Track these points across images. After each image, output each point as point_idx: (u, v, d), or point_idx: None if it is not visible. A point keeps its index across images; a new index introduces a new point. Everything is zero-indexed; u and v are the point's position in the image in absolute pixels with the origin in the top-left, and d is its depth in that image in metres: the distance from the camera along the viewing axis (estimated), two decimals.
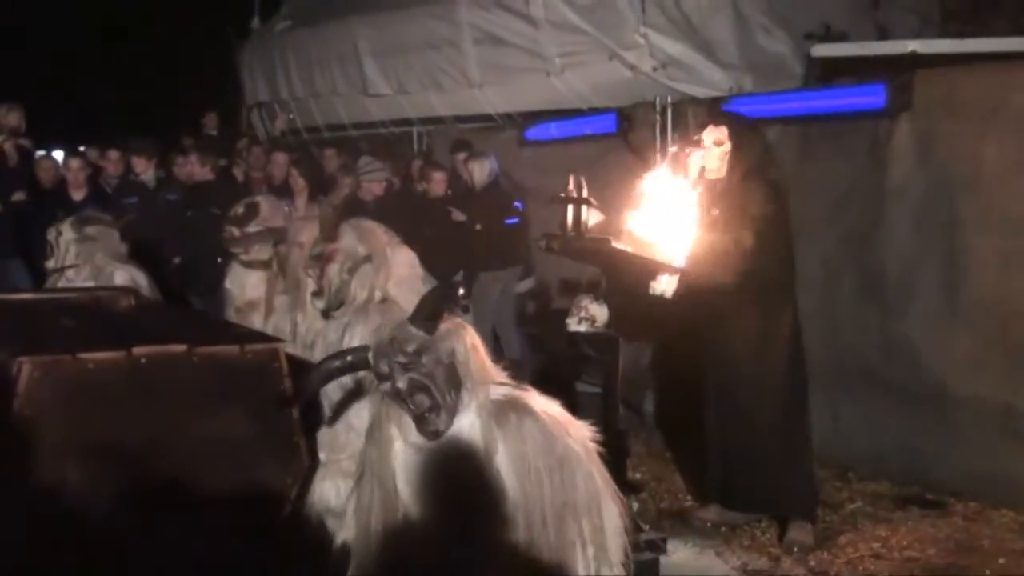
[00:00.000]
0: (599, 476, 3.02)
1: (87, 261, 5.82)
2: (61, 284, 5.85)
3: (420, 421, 2.81)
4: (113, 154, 8.72)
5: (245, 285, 5.85)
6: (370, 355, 2.89)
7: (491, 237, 7.91)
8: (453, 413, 2.84)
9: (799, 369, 5.03)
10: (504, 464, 2.85)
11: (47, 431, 3.23)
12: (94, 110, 15.78)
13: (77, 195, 8.17)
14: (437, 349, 2.85)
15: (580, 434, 3.02)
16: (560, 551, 2.87)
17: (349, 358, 3.01)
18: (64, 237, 5.89)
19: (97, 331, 3.93)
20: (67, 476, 3.23)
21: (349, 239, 4.60)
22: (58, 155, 9.28)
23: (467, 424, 2.88)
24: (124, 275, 5.80)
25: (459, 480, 2.86)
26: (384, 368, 2.84)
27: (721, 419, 5.09)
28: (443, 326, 2.90)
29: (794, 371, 5.01)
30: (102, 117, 13.73)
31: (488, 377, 2.96)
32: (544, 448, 2.88)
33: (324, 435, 4.35)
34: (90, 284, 5.59)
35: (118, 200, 7.88)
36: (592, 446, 3.05)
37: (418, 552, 2.89)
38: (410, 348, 2.83)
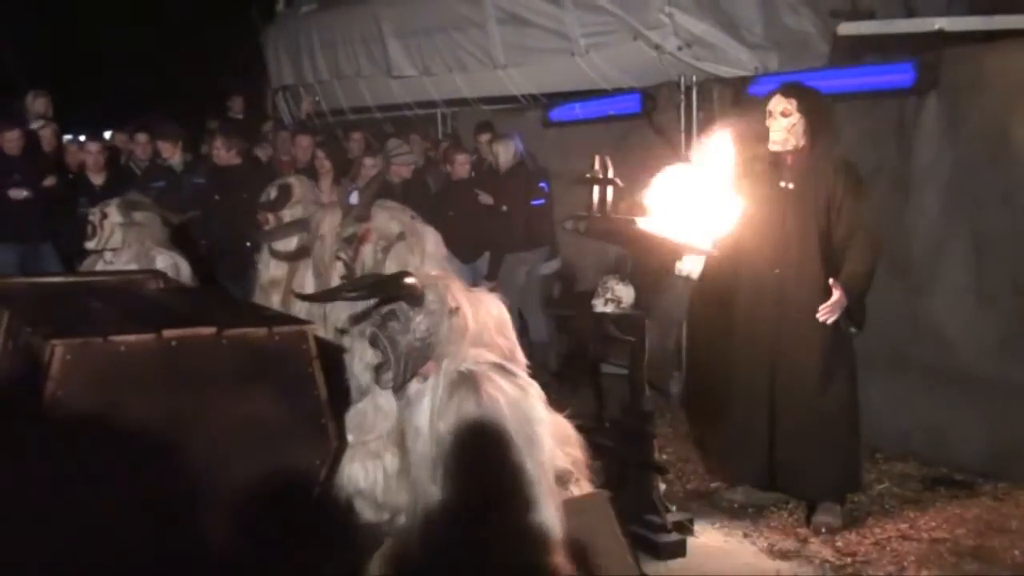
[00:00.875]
0: (533, 471, 3.09)
1: (132, 245, 5.89)
2: (99, 266, 5.93)
3: (374, 369, 3.36)
4: (141, 137, 8.77)
5: (270, 264, 5.89)
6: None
7: (517, 219, 7.91)
8: (403, 376, 3.27)
9: (851, 346, 5.01)
10: (443, 430, 3.13)
11: (79, 413, 3.27)
12: (120, 95, 15.84)
13: (97, 179, 8.22)
14: (411, 321, 3.27)
15: (532, 424, 3.13)
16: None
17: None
18: (110, 220, 5.95)
19: (127, 314, 3.97)
20: (100, 458, 3.27)
21: (382, 218, 4.67)
22: (81, 139, 9.36)
23: (428, 388, 3.24)
24: (166, 260, 5.89)
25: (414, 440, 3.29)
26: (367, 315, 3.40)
27: (769, 400, 5.01)
28: (435, 304, 3.26)
29: (849, 352, 4.99)
30: (128, 102, 13.77)
31: (469, 353, 3.20)
32: (475, 427, 3.10)
33: (352, 416, 4.38)
34: (132, 267, 5.66)
35: (146, 184, 7.92)
36: (549, 438, 3.18)
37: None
38: (384, 310, 3.31)
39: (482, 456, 3.07)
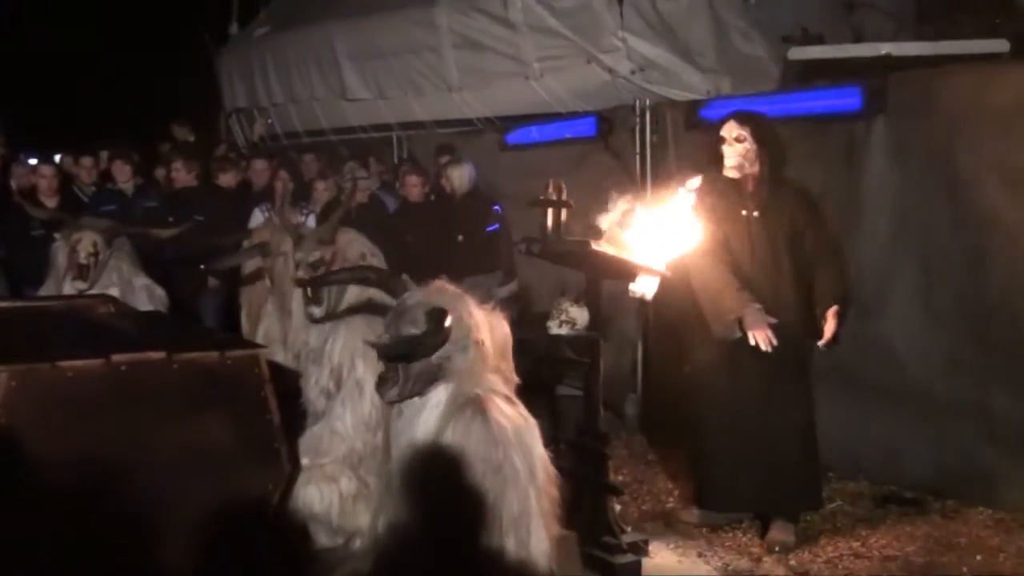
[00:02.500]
0: (536, 499, 3.06)
1: (114, 271, 5.80)
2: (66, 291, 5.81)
3: (377, 380, 3.20)
4: (86, 161, 8.62)
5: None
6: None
7: (472, 245, 7.86)
8: (407, 394, 3.13)
9: (809, 369, 5.07)
10: (444, 447, 3.07)
11: (26, 440, 3.22)
12: (68, 118, 15.68)
13: (50, 203, 8.02)
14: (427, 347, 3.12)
15: (533, 457, 3.13)
16: (479, 552, 2.98)
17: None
18: (101, 256, 5.80)
19: (76, 339, 3.92)
20: (46, 485, 3.21)
21: (343, 242, 4.69)
22: (32, 162, 9.19)
23: (428, 405, 3.13)
24: (142, 282, 5.80)
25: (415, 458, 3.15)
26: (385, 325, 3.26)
27: (729, 420, 5.05)
28: (459, 335, 3.14)
29: (808, 371, 5.05)
30: (76, 125, 13.63)
31: (481, 381, 3.12)
32: (483, 452, 3.04)
33: (307, 440, 4.36)
34: (113, 292, 5.56)
35: (95, 208, 7.79)
36: (544, 472, 3.15)
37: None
38: (404, 332, 3.15)
39: (481, 480, 3.00)
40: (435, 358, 3.11)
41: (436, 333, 3.08)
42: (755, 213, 4.98)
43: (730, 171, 5.00)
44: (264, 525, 3.67)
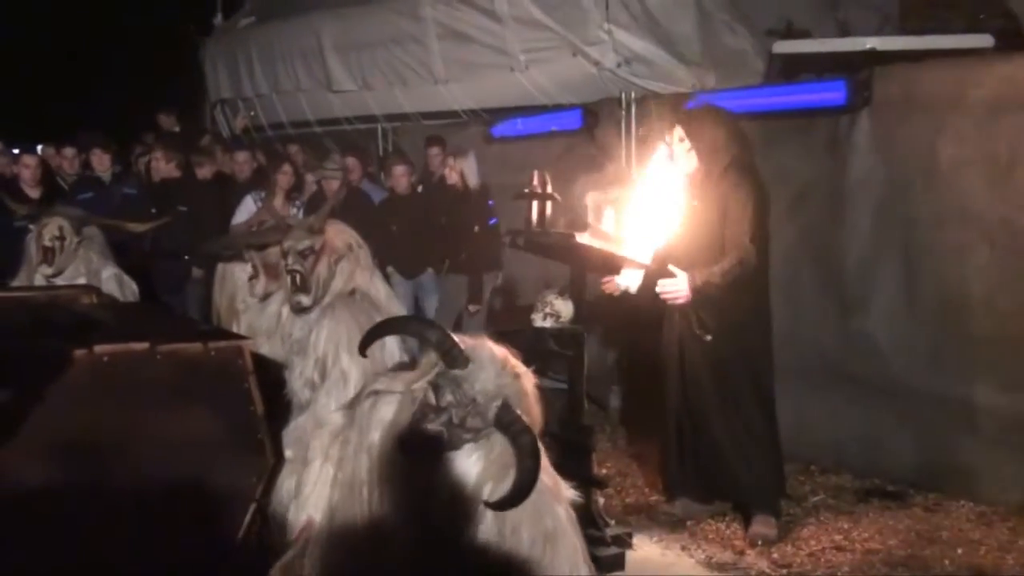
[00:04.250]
0: (564, 512, 2.96)
1: (79, 261, 5.76)
2: (37, 281, 5.77)
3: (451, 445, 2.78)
4: (69, 151, 8.59)
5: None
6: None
7: (477, 238, 7.84)
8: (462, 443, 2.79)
9: (769, 360, 5.09)
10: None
11: (7, 430, 3.19)
12: (51, 108, 15.56)
13: (33, 192, 8.02)
14: (479, 400, 2.77)
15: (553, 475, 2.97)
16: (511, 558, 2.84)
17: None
18: (67, 242, 5.76)
19: (58, 329, 3.89)
20: (28, 476, 3.20)
21: (331, 233, 4.71)
22: (15, 152, 9.14)
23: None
24: (111, 273, 5.76)
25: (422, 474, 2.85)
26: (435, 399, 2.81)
27: (688, 410, 5.12)
28: (503, 379, 2.81)
29: (765, 361, 5.07)
30: (59, 115, 13.51)
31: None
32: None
33: (292, 431, 4.34)
34: (80, 282, 5.52)
35: (74, 196, 7.77)
36: (565, 492, 3.02)
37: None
38: (469, 424, 2.77)
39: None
40: (486, 401, 2.77)
41: (532, 465, 2.67)
42: (695, 203, 5.01)
43: (682, 168, 5.07)
44: (246, 518, 3.65)
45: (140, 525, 3.34)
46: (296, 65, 11.17)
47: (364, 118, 10.68)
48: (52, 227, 5.76)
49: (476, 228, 7.81)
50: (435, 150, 8.47)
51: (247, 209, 7.63)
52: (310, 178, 8.03)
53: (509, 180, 7.53)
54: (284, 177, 7.90)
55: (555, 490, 2.95)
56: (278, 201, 7.57)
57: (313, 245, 4.69)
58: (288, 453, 4.17)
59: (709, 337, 4.96)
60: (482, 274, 7.84)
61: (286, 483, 4.16)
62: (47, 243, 5.71)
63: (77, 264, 5.81)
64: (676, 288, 4.84)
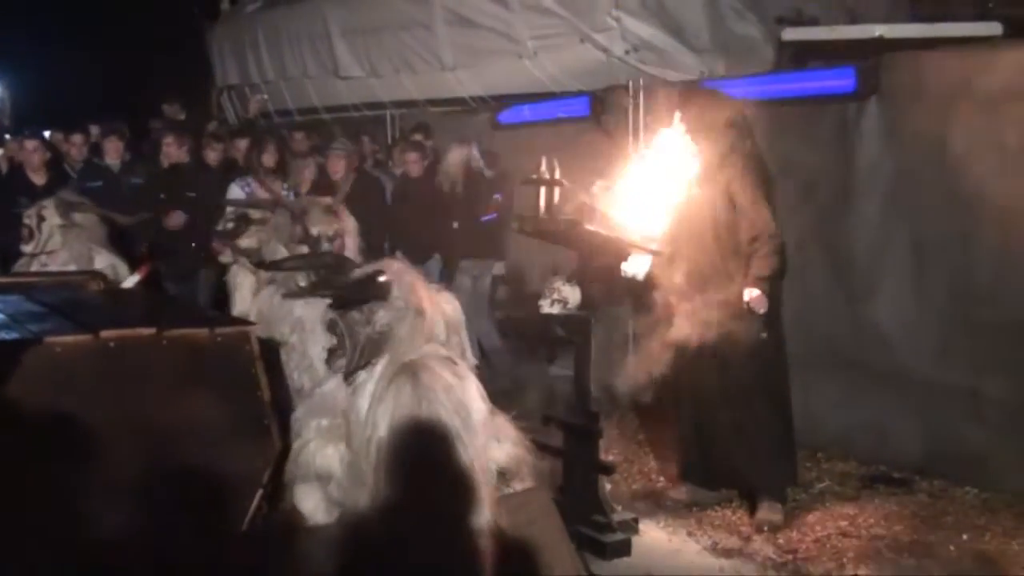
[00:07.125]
0: (466, 458, 3.16)
1: (71, 246, 5.79)
2: (34, 268, 5.82)
3: (327, 353, 3.47)
4: (77, 138, 8.54)
5: None
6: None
7: (465, 231, 7.84)
8: (355, 364, 3.32)
9: (782, 347, 5.08)
10: (380, 415, 3.19)
11: (14, 416, 3.20)
12: (60, 94, 15.55)
13: (37, 179, 7.94)
14: (373, 315, 3.33)
15: (468, 412, 3.21)
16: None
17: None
18: (48, 222, 5.82)
19: (65, 315, 3.90)
20: (35, 462, 3.21)
21: (345, 217, 4.99)
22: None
23: (376, 376, 3.29)
24: (105, 261, 5.79)
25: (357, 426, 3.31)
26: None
27: (703, 397, 5.11)
28: (400, 303, 3.30)
29: (779, 348, 5.07)
30: (67, 101, 13.51)
31: (417, 349, 3.28)
32: (410, 411, 3.15)
33: (318, 400, 4.29)
34: (71, 268, 5.56)
35: (82, 184, 7.74)
36: (482, 428, 3.26)
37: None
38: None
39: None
40: (379, 327, 3.30)
41: (367, 283, 3.33)
42: (696, 188, 4.98)
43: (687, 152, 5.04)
44: (253, 503, 3.66)
45: (146, 510, 3.35)
46: (303, 51, 11.16)
47: (372, 105, 10.66)
48: (36, 208, 5.98)
49: (455, 224, 7.80)
50: (413, 156, 8.24)
51: (234, 196, 7.60)
52: (300, 163, 8.01)
53: (516, 167, 7.53)
54: (268, 157, 7.89)
55: (458, 400, 3.26)
56: (304, 188, 7.55)
57: (339, 228, 4.88)
58: (323, 423, 4.11)
59: (765, 335, 4.94)
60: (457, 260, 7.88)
61: (318, 454, 4.07)
62: (26, 221, 5.96)
63: (69, 249, 5.86)
64: (760, 300, 4.85)
